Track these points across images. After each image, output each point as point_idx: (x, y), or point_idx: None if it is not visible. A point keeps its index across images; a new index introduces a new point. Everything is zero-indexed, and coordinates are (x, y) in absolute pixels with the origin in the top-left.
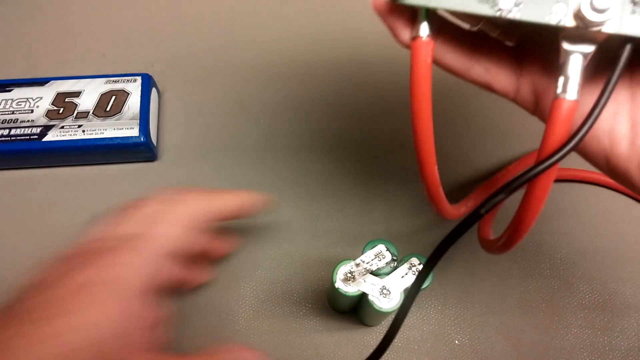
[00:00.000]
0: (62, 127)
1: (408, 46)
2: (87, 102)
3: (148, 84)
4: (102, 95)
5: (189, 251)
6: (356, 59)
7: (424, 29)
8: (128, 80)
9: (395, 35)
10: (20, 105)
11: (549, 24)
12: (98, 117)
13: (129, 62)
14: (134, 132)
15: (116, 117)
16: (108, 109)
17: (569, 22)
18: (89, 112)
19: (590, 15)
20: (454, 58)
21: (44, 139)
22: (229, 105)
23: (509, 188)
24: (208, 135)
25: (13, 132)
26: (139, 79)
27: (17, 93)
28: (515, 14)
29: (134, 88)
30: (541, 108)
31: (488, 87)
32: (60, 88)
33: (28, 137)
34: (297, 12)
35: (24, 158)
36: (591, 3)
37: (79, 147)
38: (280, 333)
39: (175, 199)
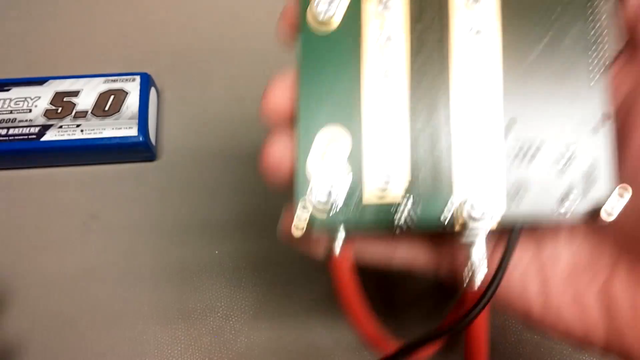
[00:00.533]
0: (61, 127)
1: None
2: (85, 101)
3: (147, 83)
4: (100, 94)
5: None
6: None
7: (340, 243)
8: (127, 80)
9: (310, 255)
10: (18, 104)
11: (441, 230)
12: (97, 116)
13: (127, 61)
14: (133, 131)
15: (115, 116)
16: (107, 108)
17: (457, 228)
18: (87, 112)
19: (472, 224)
20: (374, 252)
21: (42, 139)
22: (229, 104)
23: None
24: (208, 135)
25: (11, 131)
26: (137, 78)
27: (15, 92)
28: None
29: (133, 87)
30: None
31: (410, 269)
32: (59, 87)
33: (26, 137)
34: None
35: (22, 158)
36: (469, 214)
37: (77, 146)
38: (281, 334)
39: None
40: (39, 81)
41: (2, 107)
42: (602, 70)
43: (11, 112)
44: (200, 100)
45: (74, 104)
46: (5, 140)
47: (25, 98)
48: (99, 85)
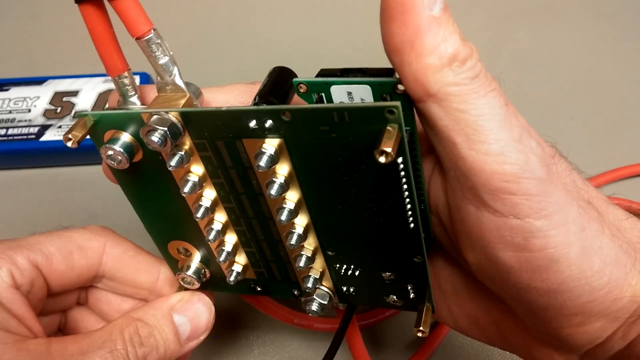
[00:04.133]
0: (60, 127)
1: None
2: (85, 101)
3: (146, 82)
4: (100, 94)
5: None
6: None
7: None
8: None
9: None
10: (18, 104)
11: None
12: None
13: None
14: None
15: None
16: (106, 108)
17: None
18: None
19: (310, 306)
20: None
21: (42, 139)
22: None
23: None
24: None
25: (10, 131)
26: (137, 77)
27: (14, 92)
28: None
29: None
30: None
31: None
32: (58, 87)
33: (25, 137)
34: (298, 11)
35: (21, 158)
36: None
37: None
38: (281, 334)
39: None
40: (38, 81)
41: (1, 107)
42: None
43: (10, 112)
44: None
45: (73, 104)
46: (5, 140)
47: (25, 98)
48: (98, 85)
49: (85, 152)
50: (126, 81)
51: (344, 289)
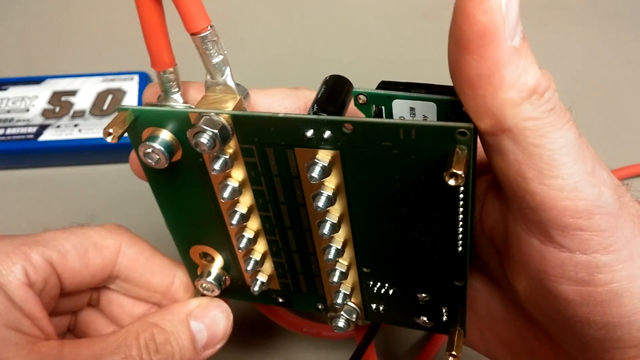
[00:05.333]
0: (58, 127)
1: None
2: (83, 100)
3: (145, 82)
4: (98, 94)
5: None
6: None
7: None
8: (125, 79)
9: None
10: (16, 104)
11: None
12: (95, 116)
13: (125, 60)
14: None
15: (113, 116)
16: (105, 107)
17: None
18: (85, 111)
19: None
20: None
21: (40, 139)
22: None
23: None
24: None
25: (9, 131)
26: (136, 77)
27: (13, 92)
28: None
29: (131, 86)
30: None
31: None
32: (56, 87)
33: (24, 137)
34: (297, 9)
35: (20, 158)
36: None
37: (75, 146)
38: (281, 337)
39: None
40: (37, 80)
41: None
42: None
43: (8, 111)
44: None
45: (72, 104)
46: (3, 139)
47: (23, 97)
48: (97, 85)
49: (83, 152)
50: (171, 77)
51: (373, 306)
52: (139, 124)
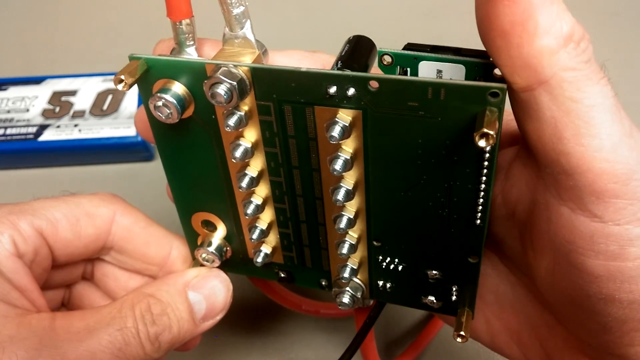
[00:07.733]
0: (58, 127)
1: None
2: (83, 101)
3: None
4: (98, 94)
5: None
6: None
7: None
8: None
9: None
10: (16, 104)
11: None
12: (95, 116)
13: (125, 60)
14: (131, 131)
15: (113, 116)
16: (105, 107)
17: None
18: (85, 111)
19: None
20: None
21: (40, 139)
22: None
23: None
24: None
25: (8, 131)
26: None
27: (13, 92)
28: None
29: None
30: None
31: None
32: (56, 87)
33: (24, 137)
34: (297, 9)
35: (20, 158)
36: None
37: (75, 146)
38: (281, 334)
39: None
40: (37, 80)
41: None
42: None
43: (8, 111)
44: None
45: (72, 104)
46: (3, 140)
47: (23, 97)
48: (96, 85)
49: (83, 153)
50: (186, 29)
51: (380, 283)
52: (151, 75)
